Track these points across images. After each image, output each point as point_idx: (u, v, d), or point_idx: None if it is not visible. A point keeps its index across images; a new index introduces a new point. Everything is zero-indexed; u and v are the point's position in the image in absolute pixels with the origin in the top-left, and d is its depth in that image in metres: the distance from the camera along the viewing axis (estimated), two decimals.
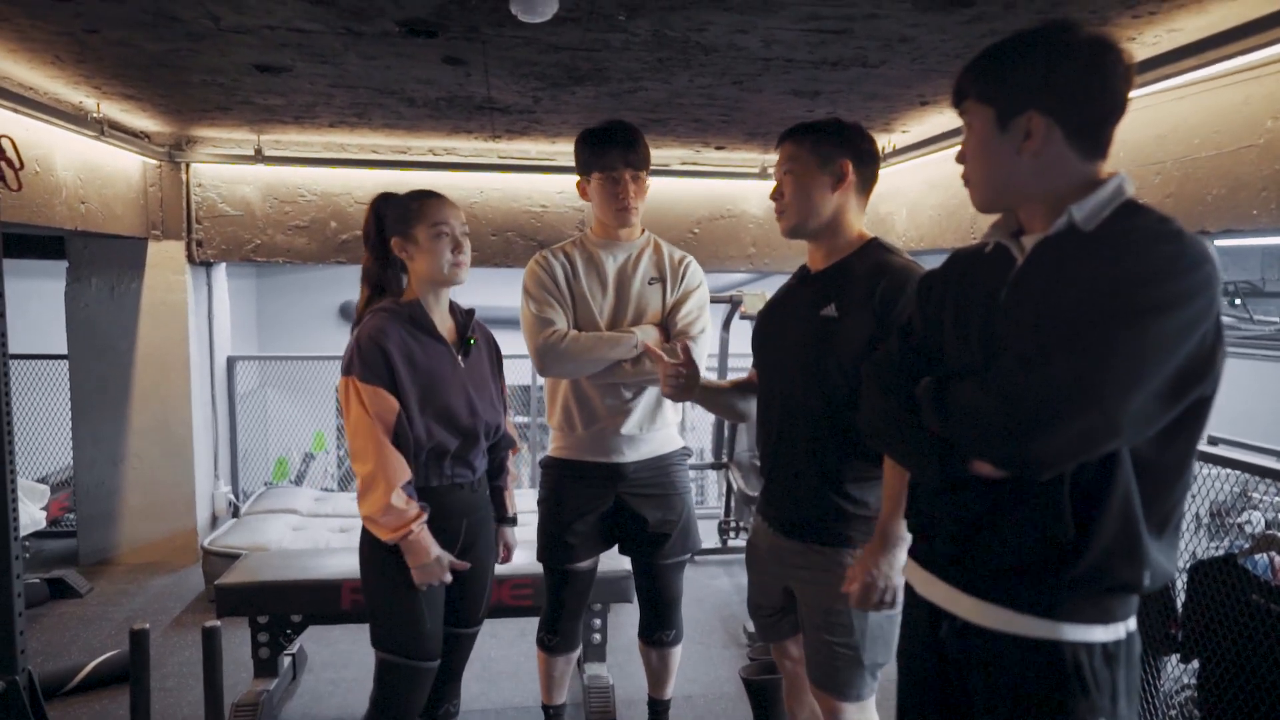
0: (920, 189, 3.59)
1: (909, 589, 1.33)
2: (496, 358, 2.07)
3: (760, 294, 3.73)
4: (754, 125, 3.21)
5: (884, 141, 3.42)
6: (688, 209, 4.16)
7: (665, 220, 4.08)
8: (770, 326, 1.78)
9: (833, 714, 1.69)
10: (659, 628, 2.24)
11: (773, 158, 3.91)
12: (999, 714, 1.15)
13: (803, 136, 1.66)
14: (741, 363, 3.57)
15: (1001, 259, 1.21)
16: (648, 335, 2.05)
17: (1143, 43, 2.04)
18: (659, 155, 3.82)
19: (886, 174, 3.80)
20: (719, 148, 3.72)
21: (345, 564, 2.71)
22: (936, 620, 1.24)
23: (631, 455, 2.13)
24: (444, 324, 1.92)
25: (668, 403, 2.16)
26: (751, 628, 3.36)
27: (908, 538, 1.52)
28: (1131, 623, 1.13)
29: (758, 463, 1.90)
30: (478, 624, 2.04)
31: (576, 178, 2.13)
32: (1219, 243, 2.34)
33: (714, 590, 3.76)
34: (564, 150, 3.78)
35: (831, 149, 1.65)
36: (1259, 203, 1.93)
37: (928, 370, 1.26)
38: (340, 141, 3.69)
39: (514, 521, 2.14)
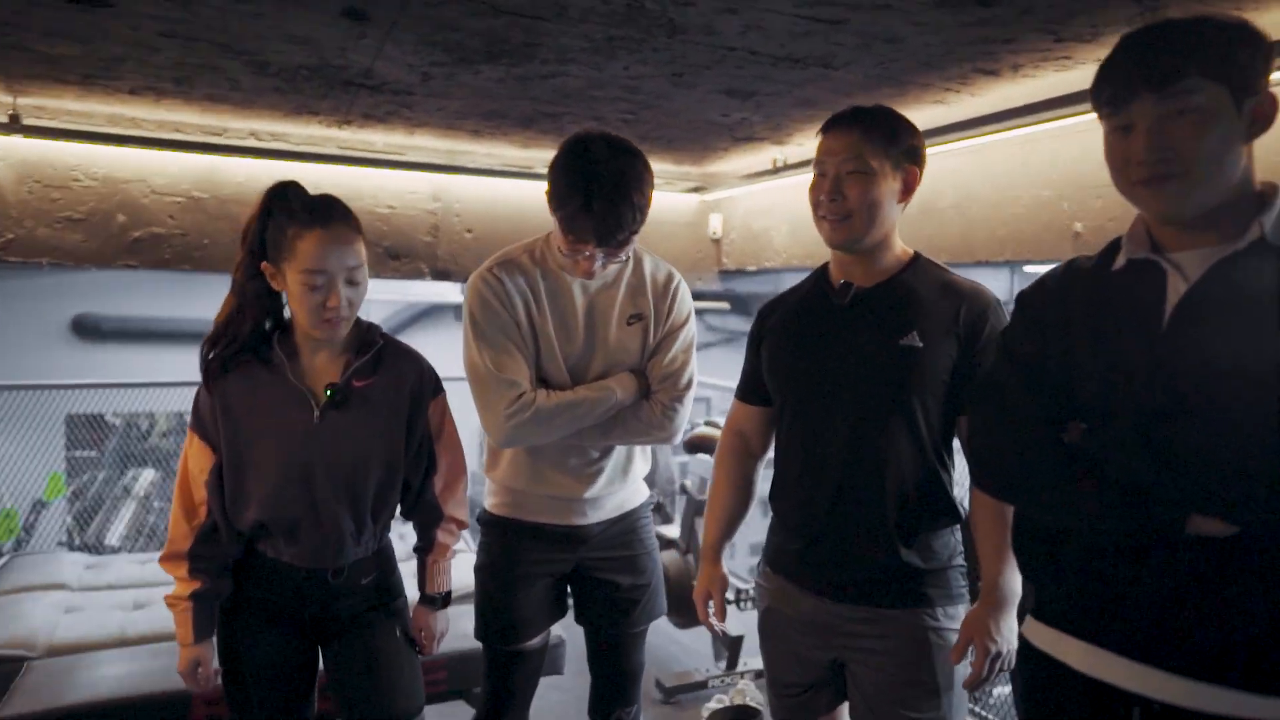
0: (803, 205, 3.50)
1: (1059, 669, 1.11)
2: (409, 406, 1.64)
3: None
4: (655, 128, 2.94)
5: (775, 154, 3.30)
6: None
7: (528, 227, 3.68)
8: (812, 358, 1.50)
9: None
10: (619, 704, 1.89)
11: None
12: None
13: (874, 129, 1.41)
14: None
15: (1143, 277, 1.04)
16: (624, 388, 1.69)
17: None
18: (532, 155, 3.44)
19: (765, 189, 3.70)
20: None
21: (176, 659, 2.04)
22: (1110, 705, 1.03)
23: (595, 516, 1.77)
24: (315, 363, 1.60)
25: (638, 454, 1.81)
26: (668, 681, 3.07)
27: (1019, 592, 1.32)
28: None
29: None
30: None
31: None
32: None
33: None
34: (420, 145, 3.28)
35: (903, 152, 1.43)
36: None
37: (1056, 405, 1.07)
38: (132, 115, 2.92)
39: (433, 601, 1.77)
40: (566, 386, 1.66)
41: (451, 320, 9.95)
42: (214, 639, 1.61)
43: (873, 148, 1.40)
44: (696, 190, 4.06)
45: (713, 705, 2.64)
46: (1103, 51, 1.95)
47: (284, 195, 1.56)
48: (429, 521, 1.75)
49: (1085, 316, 1.07)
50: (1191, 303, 0.98)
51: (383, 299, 8.64)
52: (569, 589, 1.85)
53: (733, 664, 3.07)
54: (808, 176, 3.39)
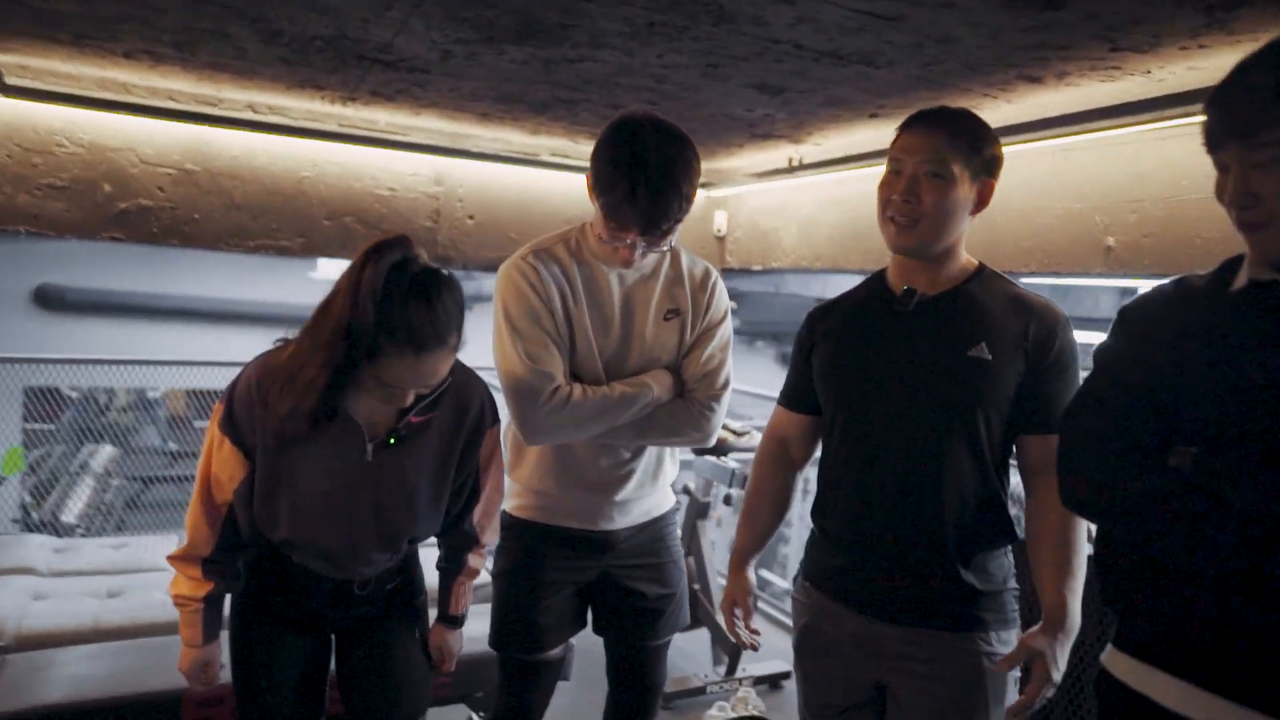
0: (815, 206, 3.45)
1: (1145, 704, 1.06)
2: (465, 443, 1.56)
3: None
4: (674, 121, 2.85)
5: (791, 153, 3.24)
6: (557, 205, 3.69)
7: (532, 216, 3.59)
8: (872, 366, 1.43)
9: None
10: (635, 717, 1.81)
11: None
12: None
13: (960, 133, 1.34)
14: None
15: (1265, 299, 1.00)
16: (661, 385, 1.61)
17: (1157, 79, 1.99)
18: (540, 143, 3.34)
19: (775, 188, 3.64)
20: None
21: (167, 656, 1.92)
22: None
23: (623, 521, 1.69)
24: (376, 398, 1.43)
25: (668, 456, 1.74)
26: (665, 686, 3.00)
27: (1080, 619, 1.28)
28: None
29: None
30: None
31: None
32: None
33: None
34: (424, 126, 3.17)
35: (984, 162, 1.36)
36: None
37: (1162, 427, 1.02)
38: (124, 80, 2.77)
39: (455, 622, 1.74)
40: (600, 382, 1.58)
41: None
42: (219, 639, 1.57)
43: (956, 153, 1.33)
44: (703, 186, 3.98)
45: (716, 714, 2.57)
46: (1155, 65, 1.94)
47: (380, 264, 1.33)
48: (462, 546, 1.70)
49: (1200, 337, 1.02)
50: None
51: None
52: (590, 598, 1.77)
53: (732, 669, 3.01)
54: (822, 177, 3.34)
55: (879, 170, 3.13)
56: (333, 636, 1.64)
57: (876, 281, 1.52)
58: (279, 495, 1.43)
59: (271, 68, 2.51)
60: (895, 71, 2.13)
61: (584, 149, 3.42)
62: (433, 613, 1.79)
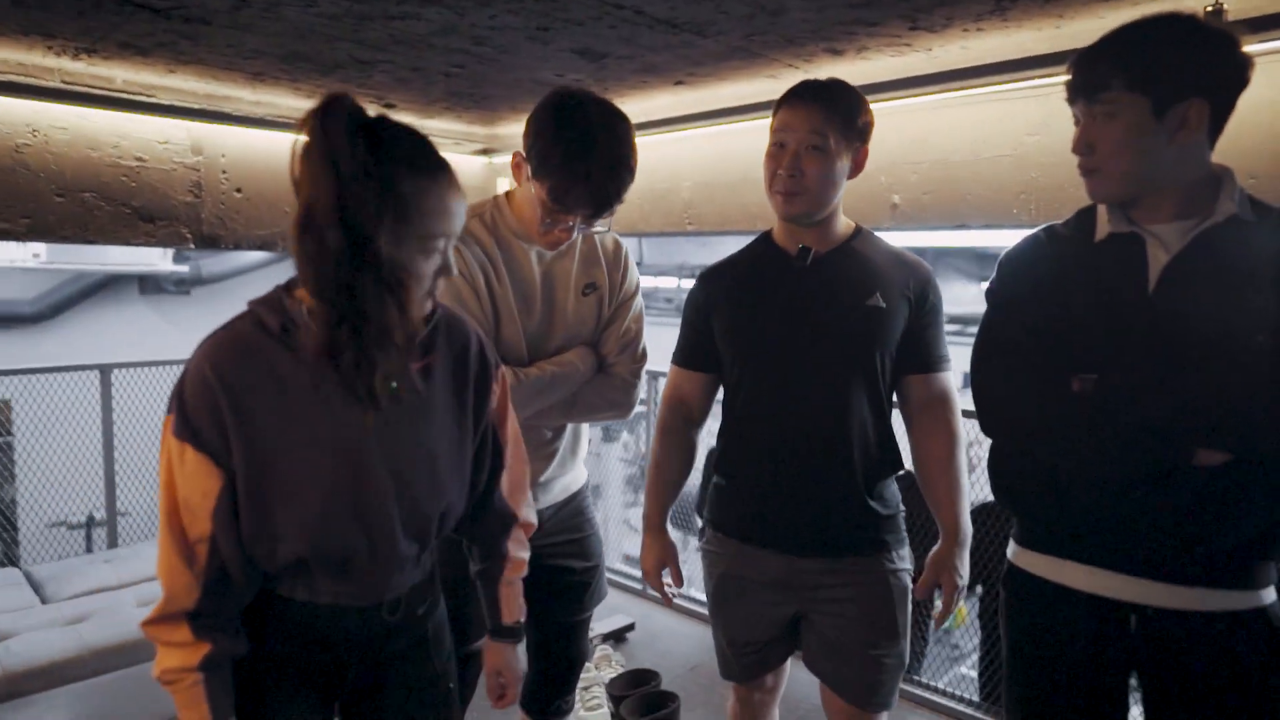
0: None
1: (1056, 590, 1.27)
2: (475, 390, 1.28)
3: None
4: (472, 85, 2.75)
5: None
6: None
7: None
8: (778, 320, 1.52)
9: None
10: (564, 692, 1.81)
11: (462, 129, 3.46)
12: (1215, 689, 1.17)
13: (836, 107, 1.50)
14: None
15: (1126, 248, 1.22)
16: (585, 363, 1.60)
17: (933, 55, 2.28)
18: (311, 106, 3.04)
19: None
20: (389, 105, 3.10)
21: None
22: (1109, 615, 1.21)
23: (546, 500, 1.67)
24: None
25: (583, 432, 1.73)
26: None
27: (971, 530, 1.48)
28: None
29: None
30: None
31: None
32: None
33: None
34: (175, 86, 2.75)
35: (858, 131, 1.53)
36: (1018, 204, 2.33)
37: (1059, 359, 1.22)
38: None
39: (513, 634, 1.42)
40: (524, 363, 1.53)
41: (135, 295, 8.50)
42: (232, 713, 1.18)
43: (833, 126, 1.45)
44: (484, 153, 3.87)
45: (585, 674, 2.61)
46: (937, 44, 2.21)
47: (359, 120, 1.08)
48: (498, 531, 1.38)
49: (1077, 280, 1.22)
50: (1176, 268, 1.16)
51: (45, 267, 7.16)
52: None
53: None
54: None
55: (676, 136, 3.25)
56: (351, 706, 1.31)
57: (764, 243, 1.61)
58: (271, 500, 1.13)
59: None
60: (719, 42, 2.23)
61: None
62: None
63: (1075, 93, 1.22)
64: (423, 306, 1.15)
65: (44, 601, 3.68)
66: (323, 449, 1.14)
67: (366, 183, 1.04)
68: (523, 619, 1.43)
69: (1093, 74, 1.18)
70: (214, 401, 1.09)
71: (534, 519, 1.43)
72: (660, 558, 1.64)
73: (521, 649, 1.46)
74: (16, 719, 2.53)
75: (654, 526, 1.66)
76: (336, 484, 1.14)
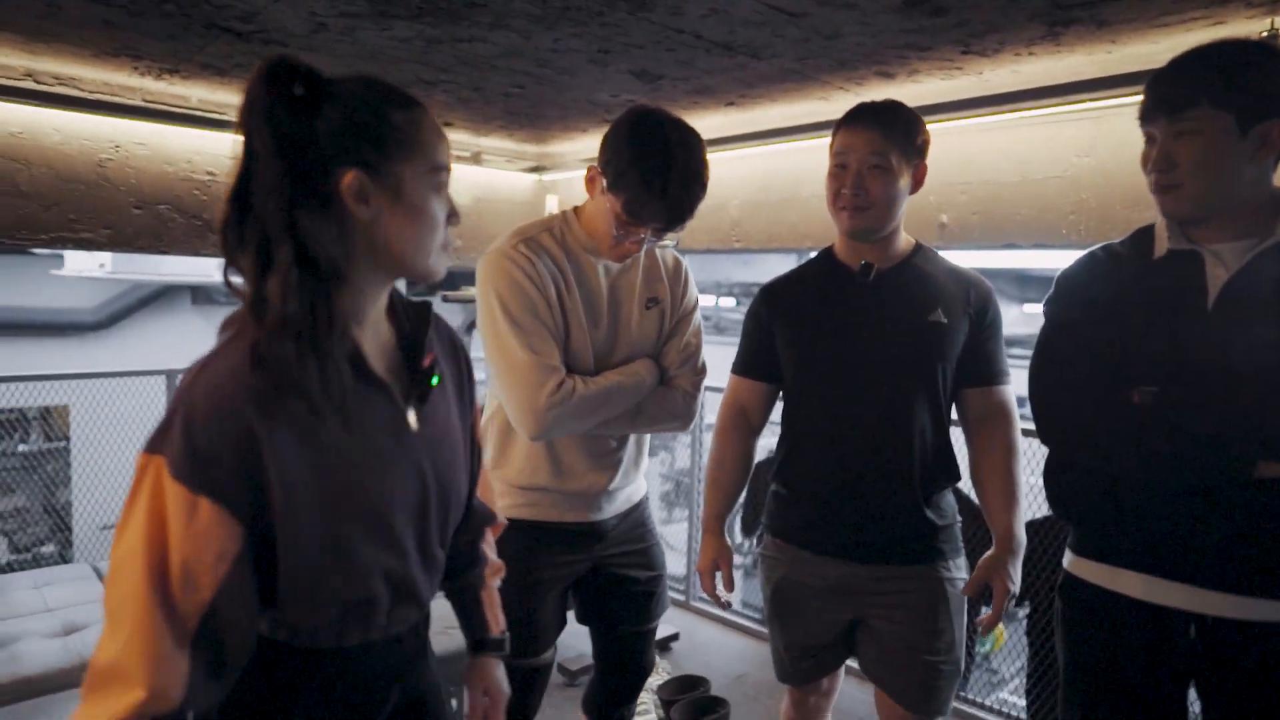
0: None
1: (1114, 598, 1.29)
2: (468, 379, 1.19)
3: None
4: (530, 105, 2.85)
5: None
6: None
7: None
8: (842, 334, 1.57)
9: None
10: (624, 702, 1.85)
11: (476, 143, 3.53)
12: (1276, 699, 1.19)
13: (895, 127, 1.55)
14: None
15: (1186, 265, 1.25)
16: (650, 374, 1.66)
17: (981, 80, 2.32)
18: None
19: None
20: (446, 124, 3.21)
21: None
22: (1168, 625, 1.23)
23: (610, 510, 1.72)
24: (378, 347, 1.02)
25: (646, 443, 1.79)
26: (571, 665, 3.01)
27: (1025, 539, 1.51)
28: None
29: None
30: None
31: (579, 177, 1.53)
32: None
33: None
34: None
35: (916, 149, 1.58)
36: (1068, 224, 2.35)
37: (1116, 372, 1.25)
38: None
39: (501, 646, 1.29)
40: (591, 372, 1.59)
41: (187, 305, 8.75)
42: None
43: (893, 145, 1.50)
44: (534, 170, 3.97)
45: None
46: (988, 67, 2.25)
47: (292, 69, 0.97)
48: (478, 532, 1.27)
49: (1136, 297, 1.25)
50: (1236, 286, 1.19)
51: (109, 276, 7.39)
52: (577, 591, 1.78)
53: None
54: None
55: (726, 155, 3.30)
56: None
57: (827, 259, 1.66)
58: (355, 533, 0.95)
59: (81, 30, 2.17)
60: (772, 64, 2.29)
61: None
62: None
63: (1154, 110, 1.23)
64: (441, 259, 1.01)
65: None
66: (370, 470, 0.97)
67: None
68: (504, 627, 1.31)
69: (1177, 92, 1.20)
70: (242, 443, 0.87)
71: (502, 518, 1.32)
72: (715, 559, 1.68)
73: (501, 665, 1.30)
74: None
75: (713, 529, 1.70)
76: (391, 510, 0.99)
